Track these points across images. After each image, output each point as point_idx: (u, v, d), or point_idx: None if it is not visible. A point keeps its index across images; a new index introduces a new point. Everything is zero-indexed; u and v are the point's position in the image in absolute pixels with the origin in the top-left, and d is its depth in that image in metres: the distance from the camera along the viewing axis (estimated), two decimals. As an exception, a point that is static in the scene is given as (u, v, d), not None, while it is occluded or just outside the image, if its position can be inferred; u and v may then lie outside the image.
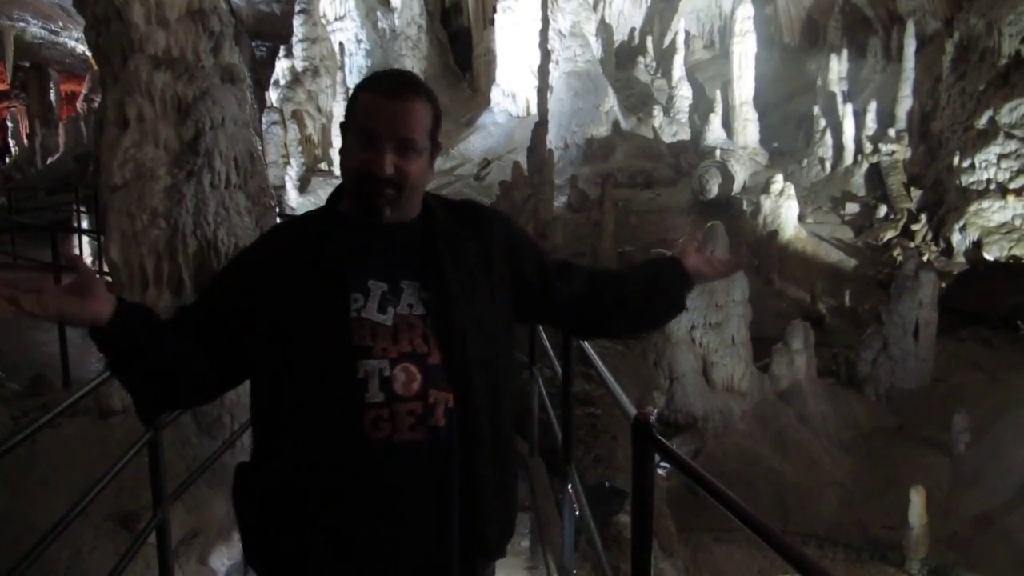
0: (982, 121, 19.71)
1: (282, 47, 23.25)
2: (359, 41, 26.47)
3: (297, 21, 22.97)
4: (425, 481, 1.46)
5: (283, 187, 20.32)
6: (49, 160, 28.92)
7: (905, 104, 23.31)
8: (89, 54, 18.99)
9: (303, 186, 21.23)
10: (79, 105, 29.66)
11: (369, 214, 1.52)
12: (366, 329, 1.45)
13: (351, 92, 1.58)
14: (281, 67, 22.81)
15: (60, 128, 30.48)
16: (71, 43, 27.63)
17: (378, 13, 27.56)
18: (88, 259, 9.99)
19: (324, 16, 25.06)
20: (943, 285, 15.47)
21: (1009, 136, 19.21)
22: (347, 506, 1.44)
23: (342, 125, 1.55)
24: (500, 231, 1.65)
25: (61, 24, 26.21)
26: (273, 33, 26.72)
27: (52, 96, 32.14)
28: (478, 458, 1.50)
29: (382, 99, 1.49)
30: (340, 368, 1.43)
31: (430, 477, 1.46)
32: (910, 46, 23.37)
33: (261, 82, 22.39)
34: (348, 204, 1.56)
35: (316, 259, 1.48)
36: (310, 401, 1.44)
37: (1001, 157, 19.24)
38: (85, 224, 13.16)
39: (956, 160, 19.95)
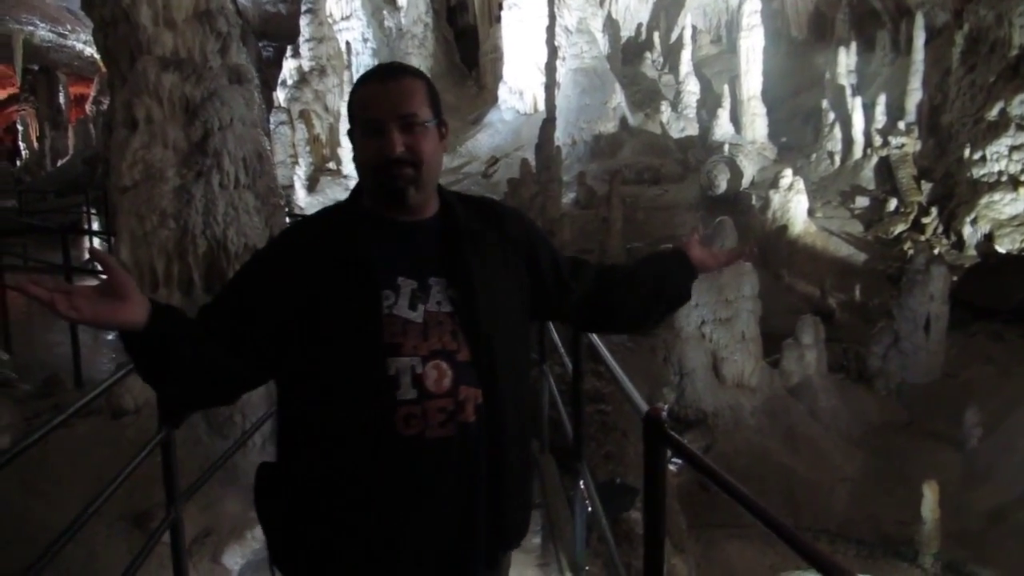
0: (993, 113, 19.59)
1: (289, 47, 23.28)
2: (365, 40, 26.48)
3: (303, 21, 22.99)
4: (454, 476, 1.48)
5: (292, 187, 20.35)
6: (59, 162, 29.05)
7: (914, 97, 23.18)
8: (97, 56, 19.07)
9: (312, 185, 21.26)
10: (88, 107, 29.75)
11: (394, 200, 1.52)
12: (397, 326, 1.46)
13: (349, 97, 1.59)
14: (288, 67, 22.83)
15: (69, 131, 30.61)
16: (79, 46, 27.72)
17: (384, 12, 27.57)
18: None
19: (330, 16, 25.08)
20: (954, 279, 15.40)
21: (1020, 128, 19.08)
22: (378, 502, 1.45)
23: (348, 132, 1.57)
24: (518, 228, 1.67)
25: (69, 27, 26.30)
26: (280, 33, 26.76)
27: (61, 99, 32.22)
28: (504, 453, 1.53)
29: (374, 86, 1.52)
30: (372, 366, 1.44)
31: (459, 472, 1.48)
32: (919, 38, 23.23)
33: (268, 82, 22.43)
34: (370, 202, 1.56)
35: (346, 256, 1.48)
36: (341, 399, 1.45)
37: (1012, 149, 19.11)
38: (95, 226, 13.22)
39: (967, 152, 19.84)
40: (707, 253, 1.92)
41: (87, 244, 11.84)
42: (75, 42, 27.67)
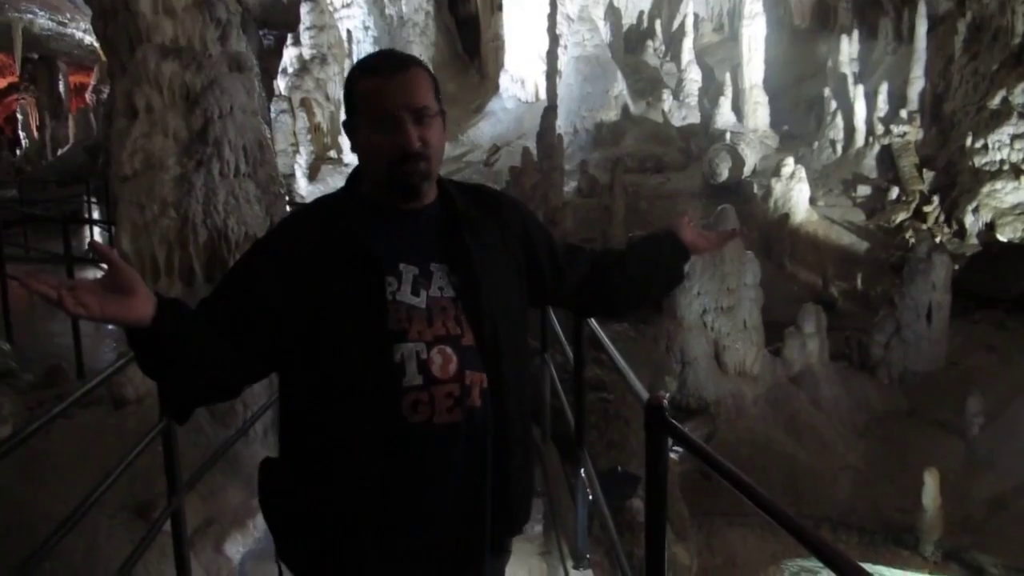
0: (995, 101, 19.51)
1: (289, 35, 23.22)
2: (366, 28, 26.42)
3: (304, 9, 22.92)
4: (461, 462, 1.47)
5: (292, 175, 20.34)
6: (59, 152, 29.02)
7: (917, 85, 23.08)
8: (97, 45, 19.02)
9: (312, 174, 21.25)
10: (88, 96, 29.70)
11: (405, 193, 1.52)
12: (402, 312, 1.46)
13: (344, 87, 1.58)
14: (289, 55, 22.78)
15: (70, 120, 30.59)
16: (79, 34, 27.64)
17: (385, 0, 27.48)
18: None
19: (331, 3, 25.02)
20: (956, 267, 15.37)
21: (1023, 116, 19.01)
22: (385, 491, 1.45)
23: (345, 123, 1.56)
24: (514, 215, 1.68)
25: (68, 15, 26.22)
26: (280, 21, 26.67)
27: (61, 88, 32.17)
28: (509, 437, 1.53)
29: (383, 79, 1.50)
30: (378, 352, 1.43)
31: (466, 458, 1.48)
32: (922, 26, 23.11)
33: (269, 70, 22.37)
34: (372, 191, 1.55)
35: (348, 243, 1.48)
36: (346, 387, 1.44)
37: (1015, 137, 19.03)
38: (96, 215, 13.23)
39: (969, 141, 19.76)
40: (698, 235, 1.96)
41: (88, 234, 11.85)
42: (75, 31, 27.59)
